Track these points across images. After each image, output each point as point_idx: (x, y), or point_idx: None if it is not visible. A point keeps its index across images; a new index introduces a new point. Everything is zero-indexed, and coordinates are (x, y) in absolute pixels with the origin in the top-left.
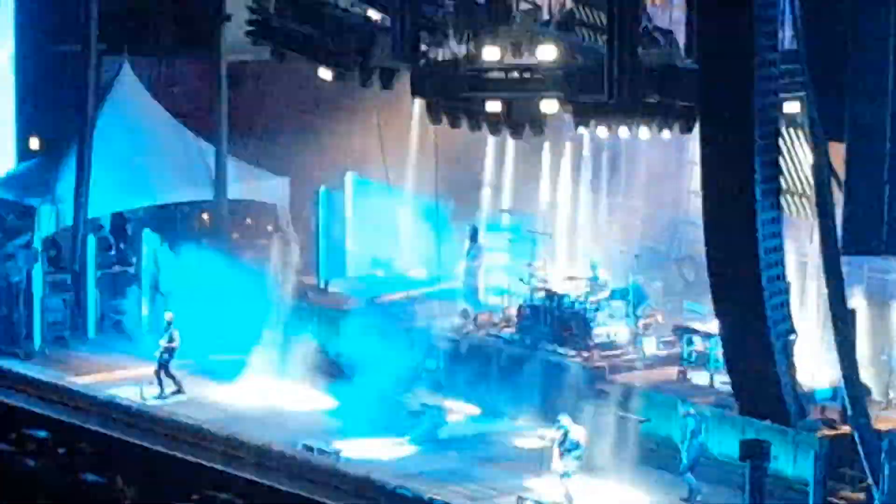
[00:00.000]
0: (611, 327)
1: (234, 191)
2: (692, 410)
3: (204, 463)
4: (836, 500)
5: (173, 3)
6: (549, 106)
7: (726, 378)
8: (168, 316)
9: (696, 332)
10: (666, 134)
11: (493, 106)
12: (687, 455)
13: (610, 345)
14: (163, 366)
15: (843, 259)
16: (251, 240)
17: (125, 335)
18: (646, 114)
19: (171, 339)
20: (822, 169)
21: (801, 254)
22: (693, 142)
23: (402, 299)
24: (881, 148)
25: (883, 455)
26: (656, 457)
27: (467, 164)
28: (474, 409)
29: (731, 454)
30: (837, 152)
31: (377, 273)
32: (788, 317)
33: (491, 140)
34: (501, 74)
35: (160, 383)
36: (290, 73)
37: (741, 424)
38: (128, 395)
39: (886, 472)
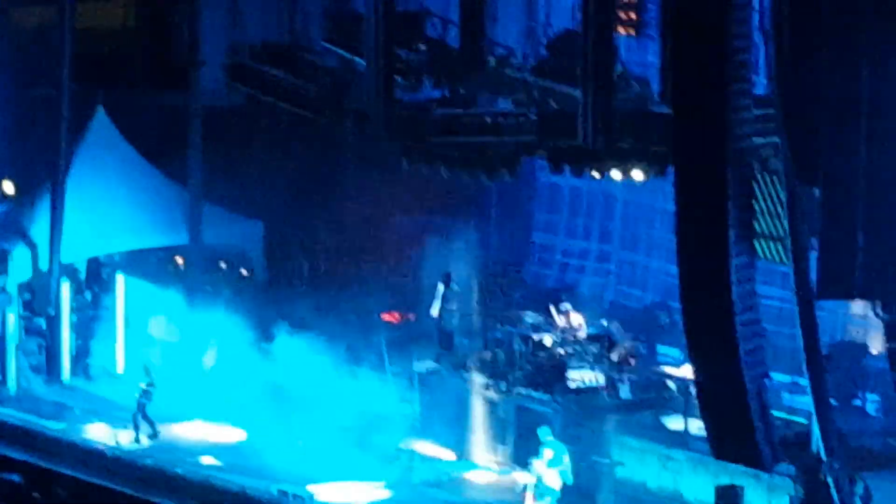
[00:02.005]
0: (585, 372)
1: (209, 235)
2: (550, 437)
3: None
4: None
5: (148, 46)
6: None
7: (700, 423)
8: (146, 360)
9: (670, 376)
10: (639, 176)
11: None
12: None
13: (584, 389)
14: (140, 409)
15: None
16: (225, 283)
17: (100, 379)
18: (620, 158)
19: (149, 383)
20: (797, 213)
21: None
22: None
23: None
24: (856, 193)
25: (857, 500)
26: (630, 501)
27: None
28: (449, 454)
29: (706, 499)
30: (812, 196)
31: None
32: (762, 361)
33: None
34: (476, 118)
35: (136, 427)
36: (265, 117)
37: (715, 469)
38: (103, 439)
39: None
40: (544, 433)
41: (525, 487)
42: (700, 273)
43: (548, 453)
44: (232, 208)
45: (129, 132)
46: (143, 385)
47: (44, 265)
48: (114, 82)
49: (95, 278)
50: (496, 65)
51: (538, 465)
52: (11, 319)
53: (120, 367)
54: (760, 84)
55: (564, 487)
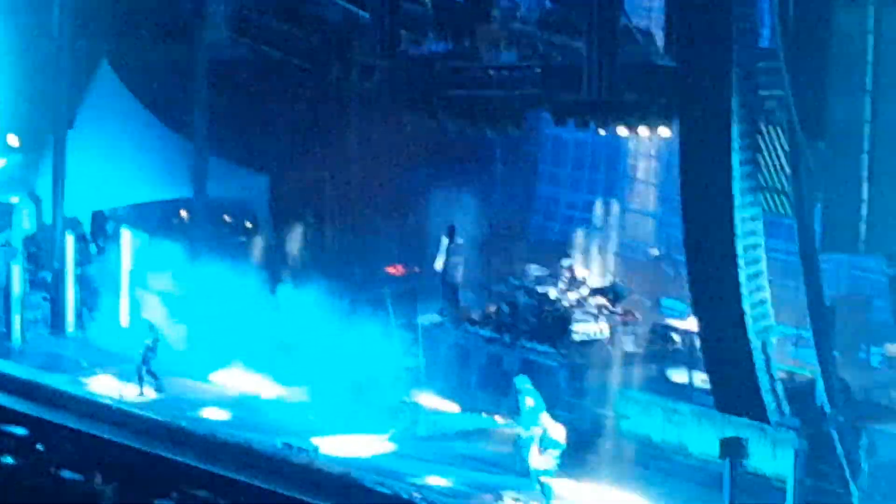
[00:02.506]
0: (589, 325)
1: (213, 188)
2: (528, 385)
3: (183, 461)
4: (814, 498)
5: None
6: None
7: (705, 376)
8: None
9: (674, 329)
10: (644, 131)
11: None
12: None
13: (589, 342)
14: (145, 362)
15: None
16: (230, 237)
17: (104, 332)
18: (624, 111)
19: (154, 339)
20: (801, 167)
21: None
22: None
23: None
24: (860, 146)
25: (861, 453)
26: (635, 454)
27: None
28: (453, 406)
29: (711, 452)
30: (817, 150)
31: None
32: (767, 314)
33: None
34: (480, 71)
35: (140, 381)
36: (270, 70)
37: (720, 422)
38: (107, 392)
39: (865, 469)
40: (522, 382)
41: (530, 440)
42: (705, 226)
43: (529, 402)
44: (237, 161)
45: (134, 85)
46: (147, 341)
47: (48, 219)
48: (118, 35)
49: (100, 232)
50: (501, 18)
51: (544, 418)
52: (16, 273)
53: (124, 320)
54: (765, 37)
55: (569, 440)
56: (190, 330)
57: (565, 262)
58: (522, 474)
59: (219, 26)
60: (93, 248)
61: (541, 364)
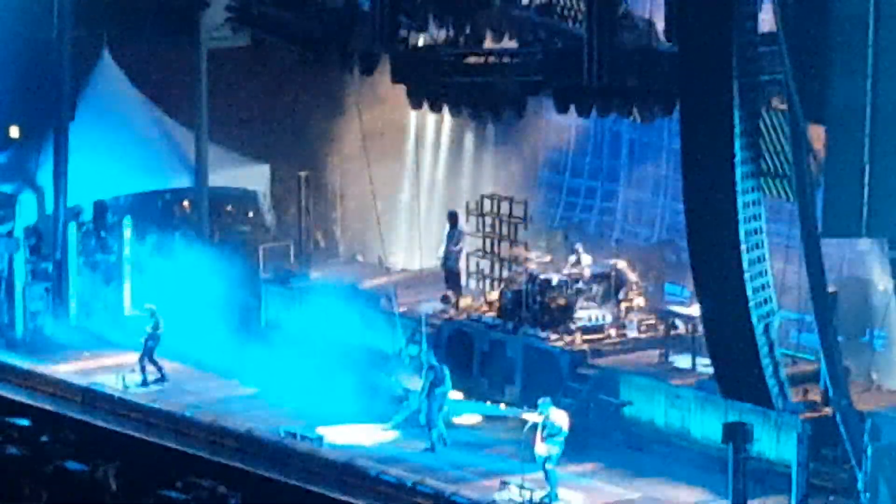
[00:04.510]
0: (592, 311)
1: (215, 178)
2: (435, 364)
3: (187, 450)
4: (818, 482)
5: None
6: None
7: (708, 360)
8: (150, 306)
9: (677, 314)
10: (645, 117)
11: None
12: (428, 406)
13: (591, 328)
14: (147, 353)
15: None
16: (232, 227)
17: (107, 322)
18: (625, 97)
19: (155, 327)
20: (802, 151)
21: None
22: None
23: (385, 284)
24: (861, 130)
25: (865, 436)
26: (638, 440)
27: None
28: (457, 394)
29: (714, 437)
30: (818, 134)
31: (358, 259)
32: (770, 299)
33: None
34: (481, 59)
35: (143, 370)
36: (271, 59)
37: (723, 407)
38: (110, 382)
39: (869, 453)
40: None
41: (533, 427)
42: (707, 211)
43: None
44: (238, 150)
45: (135, 75)
46: (149, 329)
47: (50, 209)
48: (119, 24)
49: (101, 221)
50: (501, 4)
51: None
52: (18, 263)
53: (127, 310)
54: (765, 20)
55: (573, 426)
56: (187, 318)
57: (569, 248)
58: (526, 460)
59: (219, 14)
60: (94, 238)
61: (543, 350)
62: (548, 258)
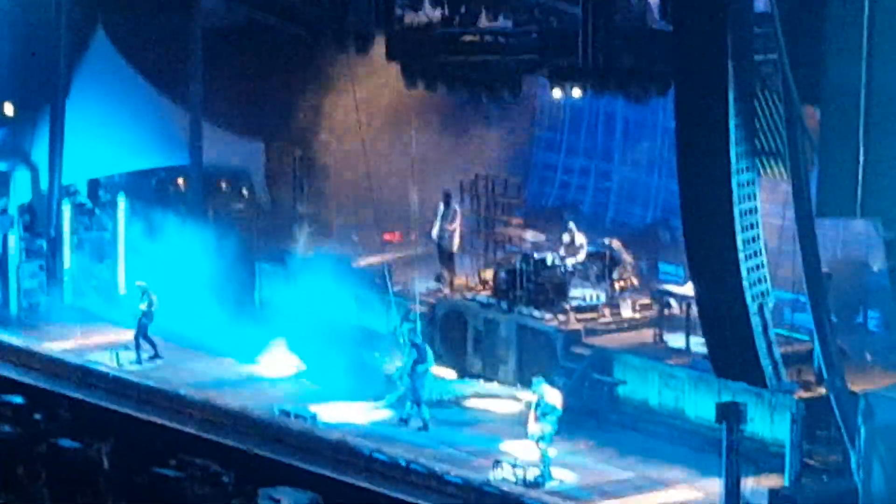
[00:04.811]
0: (586, 290)
1: (209, 156)
2: (418, 342)
3: (181, 428)
4: (812, 462)
5: None
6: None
7: (702, 340)
8: (141, 284)
9: (671, 294)
10: (639, 96)
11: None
12: (413, 385)
13: (586, 308)
14: (141, 330)
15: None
16: (226, 205)
17: (101, 300)
18: (620, 76)
19: (149, 304)
20: (797, 131)
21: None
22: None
23: (379, 263)
24: (855, 109)
25: (859, 416)
26: (632, 419)
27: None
28: (450, 373)
29: (708, 417)
30: (813, 114)
31: (352, 237)
32: (765, 279)
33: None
34: (476, 38)
35: (137, 348)
36: (266, 37)
37: (717, 387)
38: (104, 360)
39: (862, 433)
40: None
41: (528, 406)
42: (701, 190)
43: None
44: (233, 129)
45: (129, 53)
46: (143, 307)
47: (44, 187)
48: (114, 2)
49: (96, 199)
50: None
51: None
52: (12, 241)
53: (121, 288)
54: (760, 1)
55: (566, 405)
56: (182, 296)
57: (564, 228)
58: (519, 439)
59: None
60: (88, 216)
61: (538, 330)
62: (542, 237)
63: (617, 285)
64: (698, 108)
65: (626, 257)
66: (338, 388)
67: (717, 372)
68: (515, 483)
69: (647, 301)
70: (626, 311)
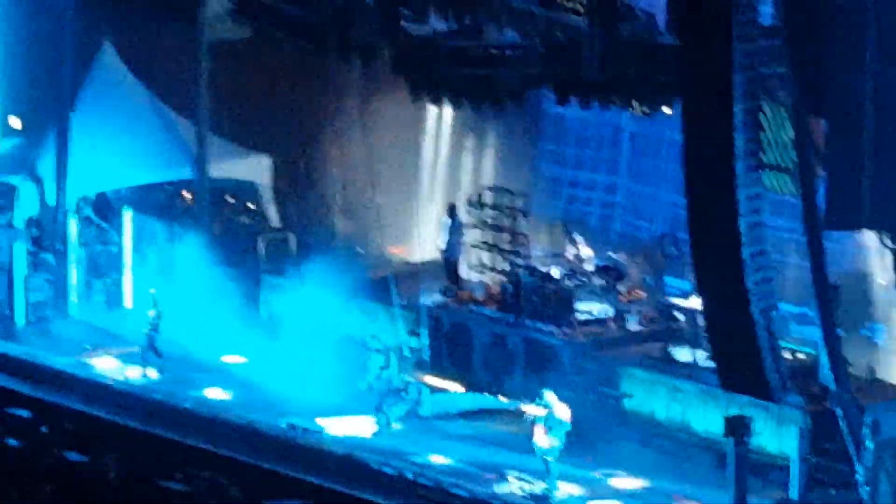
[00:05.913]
0: (593, 303)
1: (216, 169)
2: (381, 348)
3: (187, 441)
4: (819, 476)
5: None
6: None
7: (709, 354)
8: (152, 291)
9: (678, 307)
10: (646, 110)
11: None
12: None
13: (592, 321)
14: (148, 343)
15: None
16: (233, 218)
17: (108, 313)
18: (626, 90)
19: (157, 315)
20: (804, 144)
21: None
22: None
23: (385, 276)
24: (862, 123)
25: (865, 430)
26: (639, 433)
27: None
28: (457, 386)
29: (715, 430)
30: (819, 127)
31: (358, 250)
32: (771, 292)
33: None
34: (482, 50)
35: (144, 361)
36: (272, 50)
37: (724, 401)
38: (110, 373)
39: (870, 446)
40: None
41: (534, 419)
42: (708, 204)
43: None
44: (239, 142)
45: (136, 66)
46: (150, 319)
47: (51, 200)
48: (121, 15)
49: (103, 213)
50: None
51: (549, 396)
52: (19, 254)
53: (128, 301)
54: (766, 14)
55: (574, 420)
56: (188, 309)
57: (571, 241)
58: (526, 453)
59: (221, 5)
60: (95, 229)
61: (544, 343)
62: (549, 251)
63: (623, 299)
64: (705, 122)
65: (633, 271)
66: (344, 402)
67: (723, 385)
68: (522, 497)
69: (653, 315)
70: (633, 325)
